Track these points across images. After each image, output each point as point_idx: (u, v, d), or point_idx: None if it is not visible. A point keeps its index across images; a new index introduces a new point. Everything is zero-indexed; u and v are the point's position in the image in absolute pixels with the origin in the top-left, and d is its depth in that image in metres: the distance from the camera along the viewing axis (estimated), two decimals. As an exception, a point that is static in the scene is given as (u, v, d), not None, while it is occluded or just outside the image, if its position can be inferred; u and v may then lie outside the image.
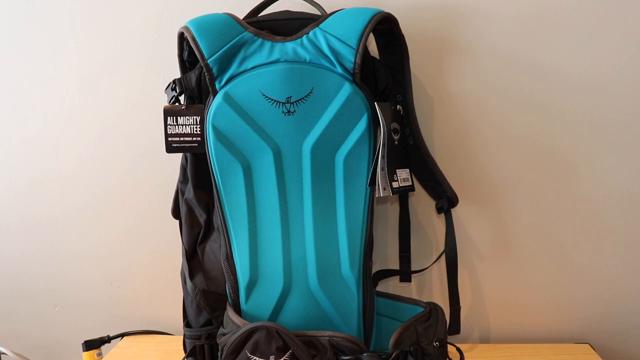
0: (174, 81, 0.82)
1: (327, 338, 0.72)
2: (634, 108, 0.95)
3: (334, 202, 0.78)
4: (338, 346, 0.72)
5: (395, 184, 0.82)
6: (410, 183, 0.86)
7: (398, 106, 0.86)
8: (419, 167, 0.92)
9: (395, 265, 1.00)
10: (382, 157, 0.78)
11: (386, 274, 1.00)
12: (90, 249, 1.10)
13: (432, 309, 0.81)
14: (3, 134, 1.06)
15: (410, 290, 1.05)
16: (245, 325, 0.74)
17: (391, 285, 1.05)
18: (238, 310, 0.81)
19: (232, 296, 0.81)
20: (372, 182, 0.79)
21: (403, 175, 0.84)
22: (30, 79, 1.02)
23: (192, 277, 0.87)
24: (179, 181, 0.88)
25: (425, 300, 0.84)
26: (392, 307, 0.86)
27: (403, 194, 0.96)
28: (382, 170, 0.79)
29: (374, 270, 0.97)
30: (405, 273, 0.99)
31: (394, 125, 0.83)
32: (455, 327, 0.94)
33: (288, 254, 0.79)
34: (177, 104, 0.82)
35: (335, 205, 0.78)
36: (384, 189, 0.79)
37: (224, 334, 0.78)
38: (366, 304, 0.80)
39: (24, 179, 1.08)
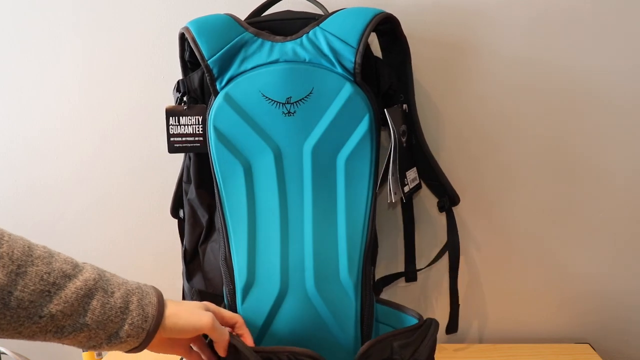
0: (177, 82, 0.82)
1: (286, 354, 0.69)
2: (634, 111, 0.95)
3: (335, 204, 0.78)
4: None
5: (406, 188, 0.82)
6: (418, 181, 0.87)
7: (404, 105, 0.85)
8: (421, 166, 0.92)
9: (398, 264, 1.00)
10: (393, 162, 0.78)
11: (392, 278, 1.00)
12: (90, 250, 1.10)
13: (424, 325, 0.75)
14: (4, 135, 1.05)
15: (411, 290, 1.05)
16: None
17: (395, 285, 1.04)
18: (235, 312, 0.80)
19: (228, 298, 0.80)
20: (381, 187, 0.78)
21: (412, 175, 0.84)
22: (31, 80, 1.02)
23: (189, 278, 0.87)
24: (183, 181, 0.88)
25: (427, 300, 0.84)
26: (392, 316, 0.83)
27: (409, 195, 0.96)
28: (393, 176, 0.79)
29: (378, 275, 0.97)
30: (410, 273, 0.99)
31: (403, 127, 0.83)
32: (453, 325, 0.94)
33: (286, 257, 0.78)
34: (181, 104, 0.82)
35: (335, 208, 0.78)
36: (395, 193, 0.79)
37: None
38: (364, 311, 0.78)
39: (24, 181, 1.08)
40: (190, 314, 0.63)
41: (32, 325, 0.52)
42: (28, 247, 0.53)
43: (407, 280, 1.00)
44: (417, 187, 0.86)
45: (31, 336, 0.54)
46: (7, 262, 0.50)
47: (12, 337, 0.53)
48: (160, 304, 0.61)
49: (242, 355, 0.68)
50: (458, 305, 0.95)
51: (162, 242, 1.07)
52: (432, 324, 0.76)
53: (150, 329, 0.59)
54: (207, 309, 0.68)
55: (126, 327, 0.58)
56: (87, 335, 0.56)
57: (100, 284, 0.57)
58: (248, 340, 0.72)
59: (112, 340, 0.58)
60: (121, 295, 0.58)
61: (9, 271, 0.50)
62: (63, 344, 0.57)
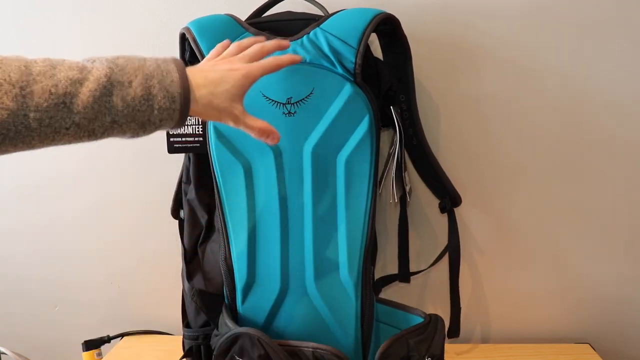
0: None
1: (310, 349, 0.70)
2: (637, 109, 0.95)
3: (335, 204, 0.78)
4: (322, 359, 0.70)
5: (407, 188, 0.82)
6: (409, 186, 0.87)
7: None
8: (423, 166, 0.92)
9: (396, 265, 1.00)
10: (398, 161, 0.78)
11: (391, 279, 0.99)
12: (90, 250, 1.10)
13: (432, 321, 0.77)
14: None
15: (411, 290, 1.05)
16: (231, 329, 0.74)
17: (394, 286, 1.04)
18: (235, 312, 0.80)
19: (229, 298, 0.80)
20: (377, 185, 0.78)
21: (407, 178, 0.84)
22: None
23: (190, 278, 0.87)
24: (183, 182, 0.88)
25: (428, 301, 0.84)
26: (393, 315, 0.83)
27: (403, 196, 0.96)
28: (397, 174, 0.79)
29: (377, 275, 0.97)
30: (403, 275, 0.98)
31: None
32: (455, 329, 0.94)
33: (286, 257, 0.78)
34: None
35: (335, 207, 0.78)
36: (397, 192, 0.79)
37: (217, 336, 0.78)
38: (365, 310, 0.78)
39: (24, 181, 1.08)
40: (220, 76, 0.60)
41: (62, 137, 0.52)
42: (25, 66, 0.50)
43: (400, 281, 1.00)
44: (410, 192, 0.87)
45: (68, 143, 0.54)
46: (7, 87, 0.48)
47: (52, 146, 0.53)
48: (183, 78, 0.57)
49: (269, 349, 0.69)
50: (459, 308, 0.94)
51: (162, 242, 1.07)
52: (439, 319, 0.78)
53: (182, 106, 0.57)
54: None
55: (155, 112, 0.55)
56: (120, 129, 0.55)
57: (114, 78, 0.54)
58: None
59: (146, 127, 0.56)
60: (140, 83, 0.55)
61: (14, 95, 0.49)
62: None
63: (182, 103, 0.56)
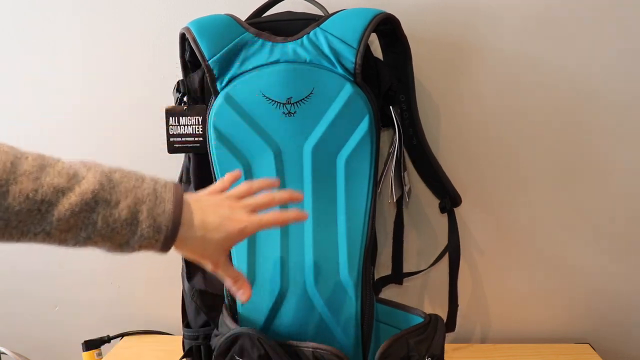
0: (178, 82, 0.82)
1: (310, 349, 0.70)
2: (637, 109, 0.95)
3: (335, 204, 0.78)
4: (322, 359, 0.70)
5: (406, 188, 0.82)
6: (409, 186, 0.87)
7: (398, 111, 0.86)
8: (423, 166, 0.92)
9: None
10: (397, 161, 0.78)
11: (389, 279, 0.99)
12: (90, 249, 1.10)
13: (432, 321, 0.77)
14: (4, 136, 1.05)
15: (413, 290, 1.05)
16: (231, 330, 0.74)
17: (394, 286, 1.04)
18: (235, 312, 0.80)
19: (229, 298, 0.80)
20: (377, 185, 0.78)
21: (407, 178, 0.84)
22: (31, 80, 1.02)
23: (190, 278, 0.87)
24: (182, 182, 0.88)
25: (427, 301, 0.84)
26: (393, 315, 0.83)
27: (400, 198, 0.96)
28: (395, 175, 0.79)
29: (377, 276, 0.97)
30: (398, 276, 0.98)
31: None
32: (451, 324, 0.94)
33: (286, 257, 0.78)
34: (181, 104, 0.82)
35: (335, 207, 0.78)
36: (396, 192, 0.79)
37: (217, 336, 0.78)
38: (365, 310, 0.78)
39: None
40: (218, 223, 0.56)
41: (29, 239, 0.50)
42: (12, 162, 0.47)
43: (394, 282, 0.99)
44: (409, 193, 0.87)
45: (37, 244, 0.51)
46: None
47: (18, 243, 0.50)
48: (177, 211, 0.54)
49: (269, 349, 0.69)
50: (457, 305, 0.95)
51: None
52: (439, 319, 0.78)
53: (166, 239, 0.54)
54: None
55: (136, 238, 0.52)
56: (95, 245, 0.52)
57: (101, 195, 0.50)
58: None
59: (124, 248, 0.53)
60: (128, 205, 0.51)
61: None
62: None
63: (167, 236, 0.53)
